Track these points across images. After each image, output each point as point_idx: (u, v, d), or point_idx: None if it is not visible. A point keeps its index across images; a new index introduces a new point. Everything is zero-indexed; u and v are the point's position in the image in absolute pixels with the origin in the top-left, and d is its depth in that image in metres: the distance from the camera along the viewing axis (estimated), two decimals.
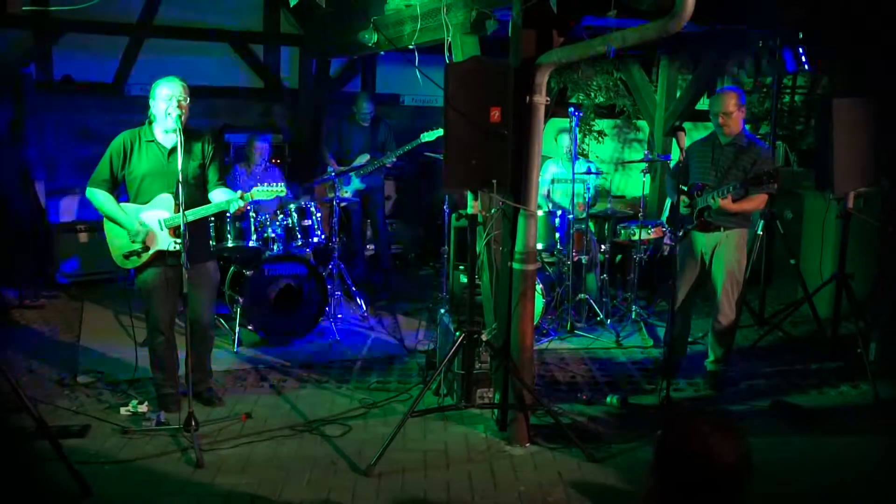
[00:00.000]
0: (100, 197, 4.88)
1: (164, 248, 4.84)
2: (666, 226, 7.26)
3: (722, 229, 5.54)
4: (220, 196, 5.05)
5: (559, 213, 6.88)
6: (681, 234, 5.71)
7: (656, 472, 2.18)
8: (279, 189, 5.11)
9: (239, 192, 4.94)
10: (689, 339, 6.17)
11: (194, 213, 4.85)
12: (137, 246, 4.84)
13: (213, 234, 6.23)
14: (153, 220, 4.85)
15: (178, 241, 4.66)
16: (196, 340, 4.98)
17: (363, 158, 8.10)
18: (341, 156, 8.28)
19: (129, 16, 8.73)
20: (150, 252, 4.86)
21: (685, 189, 5.69)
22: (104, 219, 4.95)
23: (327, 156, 8.30)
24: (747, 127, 9.07)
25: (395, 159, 7.99)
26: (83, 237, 8.09)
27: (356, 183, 8.11)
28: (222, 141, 8.91)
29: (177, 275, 4.78)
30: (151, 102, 4.85)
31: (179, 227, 4.62)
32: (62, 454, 3.97)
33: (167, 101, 4.76)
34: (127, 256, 4.88)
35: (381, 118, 8.47)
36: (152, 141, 4.88)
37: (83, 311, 7.24)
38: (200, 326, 5.09)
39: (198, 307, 5.01)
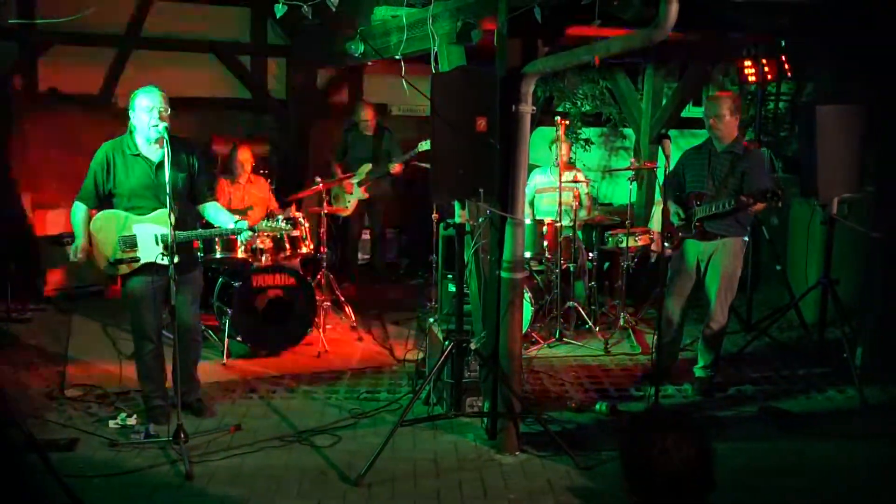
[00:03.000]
0: (75, 212, 4.93)
1: (155, 260, 4.83)
2: (652, 231, 7.30)
3: (719, 237, 5.57)
4: (216, 213, 5.13)
5: (547, 221, 6.90)
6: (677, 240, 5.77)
7: (624, 480, 2.24)
8: (285, 227, 5.21)
9: (246, 223, 5.02)
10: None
11: (199, 234, 5.01)
12: (127, 256, 4.83)
13: (201, 244, 6.25)
14: (149, 233, 4.85)
15: (166, 253, 4.65)
16: (183, 347, 4.96)
17: (365, 168, 8.11)
18: (345, 165, 8.28)
19: (115, 28, 8.71)
20: (140, 263, 4.85)
21: (679, 197, 5.74)
22: (91, 225, 4.93)
23: (334, 167, 8.30)
24: None
25: (391, 170, 8.00)
26: (70, 250, 8.04)
27: (358, 193, 8.11)
28: (210, 152, 8.91)
29: (165, 284, 4.80)
30: (131, 113, 4.82)
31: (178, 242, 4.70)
32: (51, 468, 3.95)
33: (148, 112, 4.74)
34: (114, 264, 4.88)
35: (385, 127, 8.49)
36: (137, 155, 4.86)
37: (71, 323, 7.21)
38: (187, 332, 5.07)
39: (185, 314, 5.01)
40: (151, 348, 5.02)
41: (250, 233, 5.02)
